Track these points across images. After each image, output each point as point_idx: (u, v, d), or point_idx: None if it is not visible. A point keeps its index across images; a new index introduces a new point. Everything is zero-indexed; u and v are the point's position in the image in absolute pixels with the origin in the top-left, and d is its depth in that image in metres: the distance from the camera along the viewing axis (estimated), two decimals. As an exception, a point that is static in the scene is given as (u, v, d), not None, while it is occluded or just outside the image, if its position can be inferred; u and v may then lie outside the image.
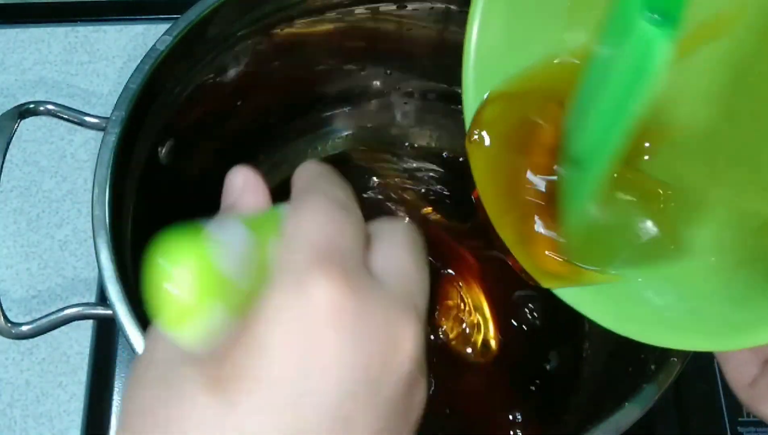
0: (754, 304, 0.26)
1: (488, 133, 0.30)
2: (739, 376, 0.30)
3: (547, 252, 0.29)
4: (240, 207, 0.24)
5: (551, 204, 0.30)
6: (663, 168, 0.30)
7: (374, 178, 0.54)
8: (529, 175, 0.30)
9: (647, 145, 0.30)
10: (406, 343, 0.21)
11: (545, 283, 0.30)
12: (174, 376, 0.20)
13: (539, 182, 0.30)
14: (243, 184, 0.24)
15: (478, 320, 0.47)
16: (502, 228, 0.30)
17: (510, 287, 0.48)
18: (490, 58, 0.31)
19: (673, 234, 0.29)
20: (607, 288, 0.29)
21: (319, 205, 0.21)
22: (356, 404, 0.19)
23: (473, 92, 0.31)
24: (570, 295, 0.30)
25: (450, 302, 0.48)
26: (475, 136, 0.30)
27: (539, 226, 0.30)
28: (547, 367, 0.48)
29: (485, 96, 0.31)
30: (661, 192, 0.29)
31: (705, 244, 0.29)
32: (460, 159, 0.55)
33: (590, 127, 0.27)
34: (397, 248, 0.23)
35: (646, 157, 0.30)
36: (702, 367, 0.49)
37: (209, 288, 0.19)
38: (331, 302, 0.19)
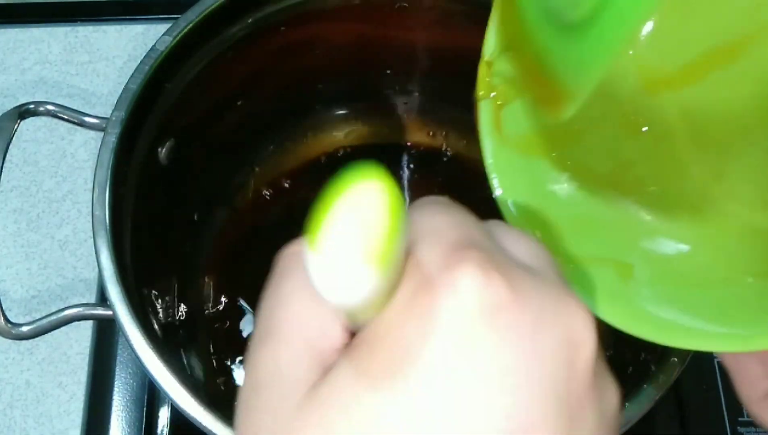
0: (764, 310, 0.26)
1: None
2: (751, 391, 0.30)
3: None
4: None
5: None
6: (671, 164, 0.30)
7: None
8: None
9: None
10: (586, 335, 0.17)
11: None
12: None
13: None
14: None
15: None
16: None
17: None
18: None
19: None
20: (618, 289, 0.29)
21: (438, 207, 0.19)
22: (545, 420, 0.16)
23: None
24: (583, 298, 0.30)
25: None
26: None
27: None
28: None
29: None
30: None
31: (715, 254, 0.29)
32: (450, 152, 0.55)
33: None
34: (515, 234, 0.19)
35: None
36: (702, 367, 0.49)
37: (394, 238, 0.15)
38: (488, 299, 0.16)
